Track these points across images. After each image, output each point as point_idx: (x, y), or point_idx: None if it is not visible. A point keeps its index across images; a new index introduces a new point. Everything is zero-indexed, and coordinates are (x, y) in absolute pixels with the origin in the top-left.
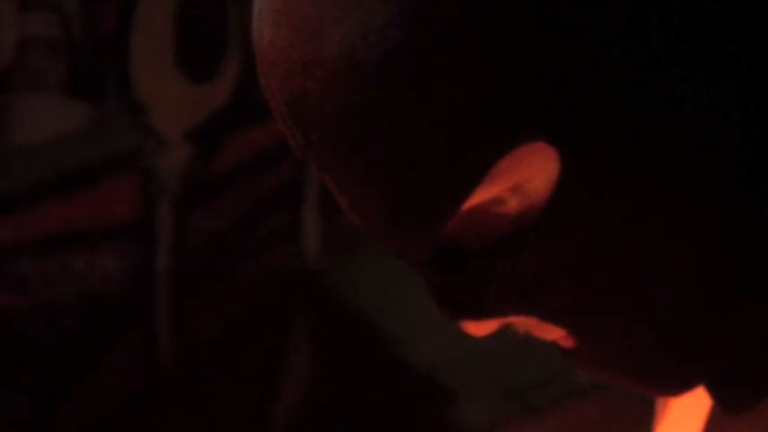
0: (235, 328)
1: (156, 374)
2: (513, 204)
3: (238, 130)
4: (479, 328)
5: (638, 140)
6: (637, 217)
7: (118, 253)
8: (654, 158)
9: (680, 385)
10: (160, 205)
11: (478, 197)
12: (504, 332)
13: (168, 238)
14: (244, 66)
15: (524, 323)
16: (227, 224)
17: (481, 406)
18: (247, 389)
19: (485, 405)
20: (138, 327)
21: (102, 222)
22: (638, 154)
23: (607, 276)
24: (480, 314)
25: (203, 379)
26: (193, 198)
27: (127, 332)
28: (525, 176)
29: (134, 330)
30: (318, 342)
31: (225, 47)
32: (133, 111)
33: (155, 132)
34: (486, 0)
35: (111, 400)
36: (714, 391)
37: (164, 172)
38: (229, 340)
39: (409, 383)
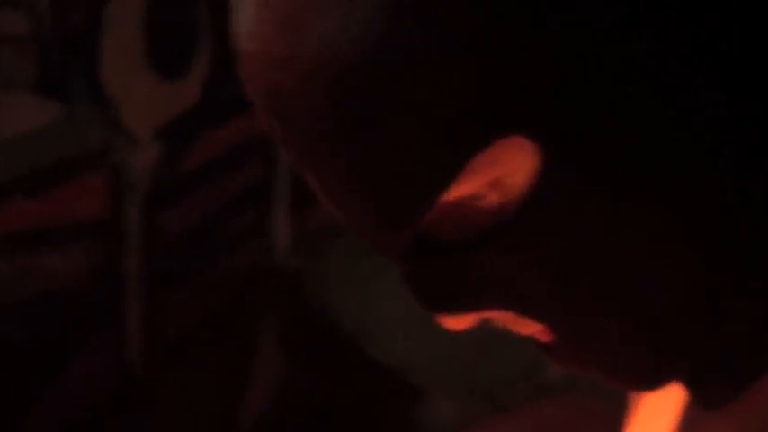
0: (205, 327)
1: (127, 373)
2: (493, 199)
3: (209, 127)
4: (457, 323)
5: (623, 139)
6: (622, 215)
7: (88, 251)
8: (639, 158)
9: (658, 380)
10: (130, 203)
11: (458, 191)
12: (473, 330)
13: (138, 236)
14: (213, 64)
15: (502, 318)
16: (198, 222)
17: (451, 404)
18: (217, 387)
19: (454, 404)
20: (108, 325)
21: (72, 220)
22: (623, 153)
23: (591, 273)
24: (458, 308)
25: (174, 377)
26: (164, 196)
27: (97, 331)
28: (505, 171)
29: (104, 329)
30: (288, 340)
31: (195, 45)
32: (103, 109)
33: (125, 130)
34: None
35: (82, 399)
36: (693, 387)
37: (134, 170)
38: (200, 338)
39: (379, 382)
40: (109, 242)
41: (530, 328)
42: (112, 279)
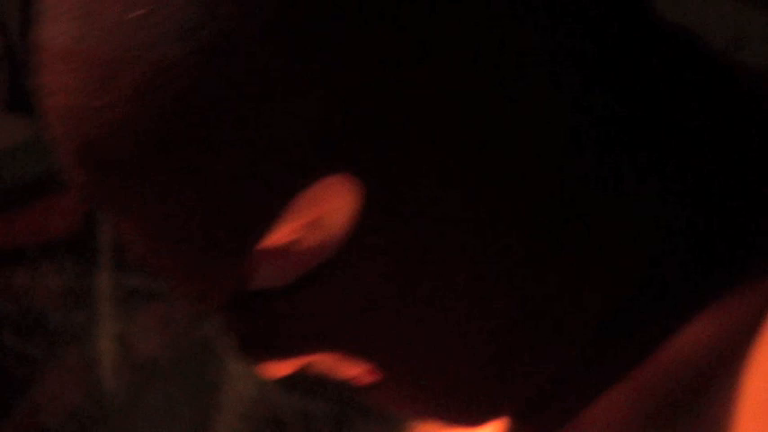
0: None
1: (98, 390)
2: (313, 240)
3: None
4: (278, 369)
5: (436, 178)
6: (442, 249)
7: (59, 268)
8: (450, 197)
9: (486, 415)
10: (101, 220)
11: (277, 234)
12: None
13: (110, 253)
14: None
15: (324, 361)
16: None
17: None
18: (190, 403)
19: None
20: (80, 343)
21: (43, 238)
22: (436, 192)
23: (410, 312)
24: (281, 354)
25: (145, 395)
26: None
27: (69, 348)
28: (323, 211)
29: (76, 346)
30: None
31: None
32: None
33: None
34: (276, 41)
35: (52, 416)
36: (517, 420)
37: None
38: (171, 356)
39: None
40: (81, 259)
41: (353, 369)
42: (85, 296)
